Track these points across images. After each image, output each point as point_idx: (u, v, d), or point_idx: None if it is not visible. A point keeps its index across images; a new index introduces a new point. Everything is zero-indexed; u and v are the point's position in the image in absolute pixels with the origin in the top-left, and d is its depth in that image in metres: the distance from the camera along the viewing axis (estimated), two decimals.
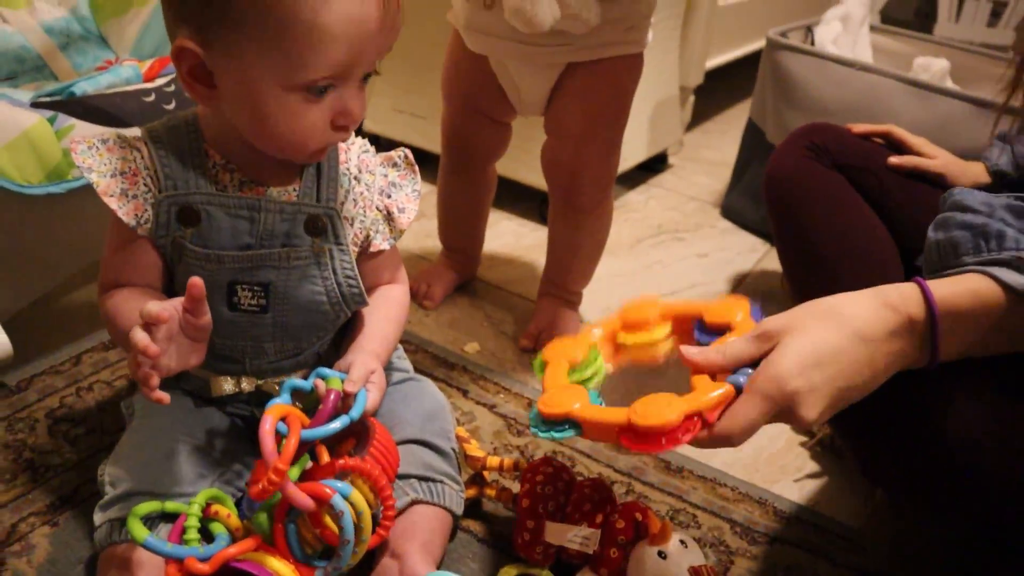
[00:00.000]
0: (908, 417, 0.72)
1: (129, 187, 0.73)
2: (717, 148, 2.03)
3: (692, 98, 1.90)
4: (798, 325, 0.63)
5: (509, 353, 1.17)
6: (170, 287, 0.77)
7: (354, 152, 0.80)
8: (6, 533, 0.80)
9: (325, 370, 0.74)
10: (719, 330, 0.72)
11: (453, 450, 0.84)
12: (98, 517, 0.73)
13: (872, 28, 1.82)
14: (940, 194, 1.16)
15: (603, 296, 1.33)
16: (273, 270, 0.75)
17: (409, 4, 0.72)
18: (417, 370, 0.96)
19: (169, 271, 0.76)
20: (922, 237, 0.81)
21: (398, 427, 0.82)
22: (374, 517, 0.72)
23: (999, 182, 1.08)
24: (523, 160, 1.44)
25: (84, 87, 1.04)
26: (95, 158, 0.72)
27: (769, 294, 1.40)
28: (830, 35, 1.66)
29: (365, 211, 0.80)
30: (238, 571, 0.67)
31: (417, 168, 0.84)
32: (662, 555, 0.75)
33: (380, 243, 0.82)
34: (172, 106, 1.01)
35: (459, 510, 0.81)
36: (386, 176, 0.82)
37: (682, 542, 0.77)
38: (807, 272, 1.20)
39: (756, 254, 1.54)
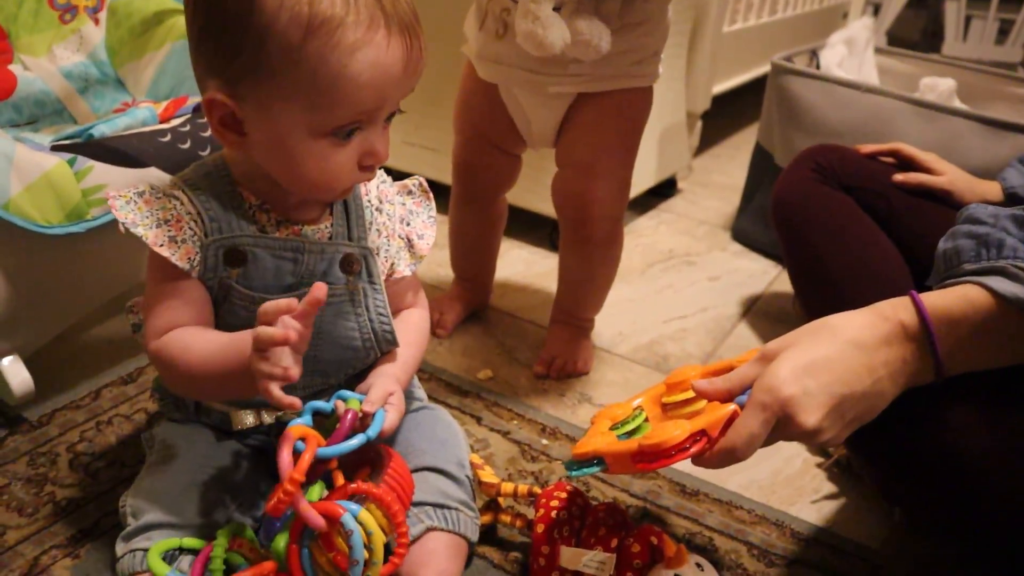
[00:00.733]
0: (924, 435, 0.72)
1: (176, 233, 0.73)
2: (726, 172, 2.05)
3: (700, 123, 1.91)
4: (793, 342, 0.65)
5: (522, 380, 1.18)
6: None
7: (373, 183, 0.82)
8: (28, 566, 0.81)
9: (346, 392, 0.75)
10: None
11: (467, 477, 0.85)
12: (120, 548, 0.74)
13: (877, 50, 1.83)
14: (948, 212, 1.16)
15: (615, 321, 1.34)
16: None
17: None
18: (431, 398, 0.97)
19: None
20: (931, 255, 0.81)
21: (412, 455, 0.82)
22: (387, 546, 0.72)
23: (1010, 204, 1.09)
24: (533, 189, 1.46)
25: (102, 129, 1.07)
26: (136, 212, 0.72)
27: (781, 316, 1.40)
28: (835, 58, 1.68)
29: (389, 240, 0.82)
30: None
31: (431, 195, 0.86)
32: None
33: (403, 270, 0.84)
34: (187, 145, 1.04)
35: (474, 537, 0.81)
36: (404, 204, 0.85)
37: (698, 565, 0.77)
38: (818, 293, 1.21)
39: (768, 276, 1.55)
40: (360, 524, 0.68)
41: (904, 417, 0.74)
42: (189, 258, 0.73)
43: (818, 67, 1.66)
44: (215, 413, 0.83)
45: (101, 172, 0.96)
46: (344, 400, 0.75)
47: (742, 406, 0.65)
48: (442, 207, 1.27)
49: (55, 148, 0.98)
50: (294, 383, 0.79)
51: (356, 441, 0.71)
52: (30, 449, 0.97)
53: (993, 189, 1.16)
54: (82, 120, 1.27)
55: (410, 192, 0.86)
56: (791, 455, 1.07)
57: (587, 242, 1.16)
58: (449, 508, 0.80)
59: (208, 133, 1.06)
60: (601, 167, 1.11)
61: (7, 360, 0.98)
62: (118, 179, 0.97)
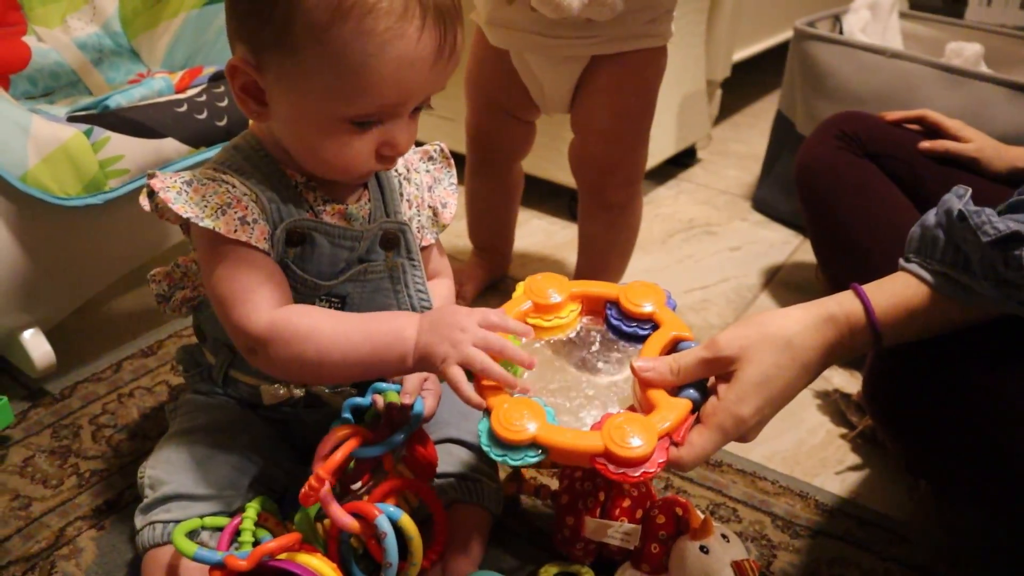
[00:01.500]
0: (952, 403, 0.71)
1: (244, 214, 0.69)
2: (746, 141, 2.02)
3: (719, 91, 1.88)
4: (754, 357, 0.65)
5: None
6: None
7: None
8: (55, 537, 0.82)
9: (381, 384, 0.75)
10: (637, 317, 0.76)
11: None
12: (139, 520, 0.74)
13: (901, 15, 1.79)
14: (975, 179, 1.14)
15: None
16: (350, 283, 0.76)
17: None
18: None
19: None
20: None
21: (435, 426, 0.82)
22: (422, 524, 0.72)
23: None
24: (551, 158, 1.44)
25: (118, 100, 1.06)
26: (193, 204, 0.68)
27: (803, 286, 1.38)
28: (859, 23, 1.64)
29: (419, 210, 0.82)
30: (280, 571, 0.67)
31: (452, 161, 0.85)
32: (704, 550, 0.74)
33: (429, 238, 0.83)
34: (204, 116, 1.03)
35: (498, 508, 0.81)
36: (428, 171, 0.84)
37: (724, 536, 0.76)
38: (842, 262, 1.19)
39: (789, 246, 1.53)
40: (399, 528, 0.69)
41: (932, 386, 0.73)
42: (266, 237, 0.70)
43: (841, 32, 1.62)
44: (243, 386, 0.82)
45: (118, 143, 0.95)
46: (381, 393, 0.75)
47: (692, 400, 0.67)
48: (459, 176, 1.25)
49: (71, 119, 0.97)
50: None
51: (396, 439, 0.71)
52: (53, 422, 0.97)
53: (1021, 155, 1.13)
54: (97, 91, 1.26)
55: (431, 158, 0.85)
56: (814, 426, 1.06)
57: (606, 208, 1.15)
58: (472, 479, 0.80)
59: (225, 103, 1.05)
60: (618, 131, 1.09)
61: (28, 333, 0.98)
62: (135, 150, 0.96)
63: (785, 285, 1.39)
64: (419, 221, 0.82)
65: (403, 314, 0.71)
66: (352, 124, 0.67)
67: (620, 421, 0.63)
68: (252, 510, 0.71)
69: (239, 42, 0.68)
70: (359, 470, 0.76)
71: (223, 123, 1.04)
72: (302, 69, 0.65)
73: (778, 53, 2.04)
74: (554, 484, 0.86)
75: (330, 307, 0.76)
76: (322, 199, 0.75)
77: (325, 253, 0.74)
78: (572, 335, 0.77)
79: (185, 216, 0.67)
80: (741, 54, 1.91)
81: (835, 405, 1.09)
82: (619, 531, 0.76)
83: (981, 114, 1.30)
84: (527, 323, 0.74)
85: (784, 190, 1.59)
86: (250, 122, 0.78)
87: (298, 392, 0.81)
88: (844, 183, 1.20)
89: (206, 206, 0.68)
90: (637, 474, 0.62)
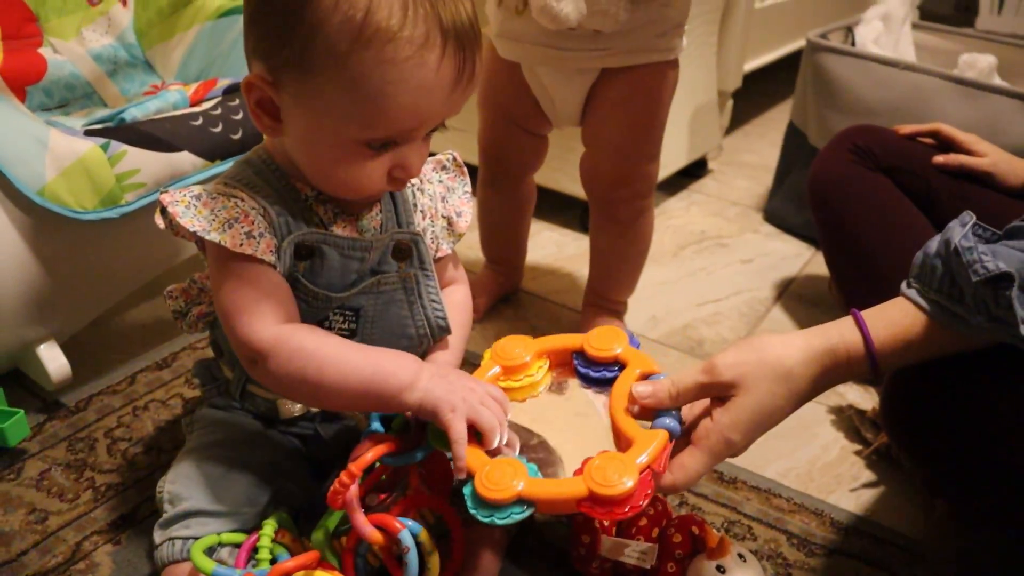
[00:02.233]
0: (973, 424, 0.71)
1: (250, 228, 0.69)
2: (757, 152, 2.01)
3: (731, 102, 1.88)
4: (751, 385, 0.67)
5: None
6: None
7: None
8: (71, 552, 0.82)
9: None
10: (603, 361, 0.77)
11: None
12: (158, 535, 0.74)
13: (913, 25, 1.79)
14: (990, 194, 1.14)
15: (648, 305, 1.33)
16: (364, 296, 0.76)
17: None
18: None
19: None
20: None
21: None
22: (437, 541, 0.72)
23: None
24: (563, 170, 1.44)
25: (134, 113, 1.07)
26: (201, 218, 0.68)
27: (816, 300, 1.38)
28: (871, 35, 1.64)
29: (433, 221, 0.82)
30: None
31: (465, 169, 0.85)
32: (720, 569, 0.74)
33: (445, 248, 0.83)
34: (219, 129, 1.03)
35: (514, 526, 0.81)
36: (441, 181, 0.84)
37: (740, 556, 0.76)
38: (855, 275, 1.19)
39: (801, 259, 1.52)
40: (419, 543, 0.69)
41: (952, 404, 0.72)
42: (272, 250, 0.70)
43: (853, 44, 1.62)
44: (260, 400, 0.83)
45: (135, 157, 0.96)
46: None
47: (668, 430, 0.68)
48: (472, 188, 1.26)
49: (88, 132, 0.97)
50: None
51: (421, 453, 0.72)
52: (69, 435, 0.97)
53: None
54: (112, 103, 1.27)
55: (444, 167, 0.85)
56: (828, 443, 1.06)
57: (617, 222, 1.15)
58: None
59: (240, 117, 1.05)
60: (629, 146, 1.09)
61: (44, 346, 0.99)
62: (151, 164, 0.96)
63: (798, 298, 1.39)
64: (433, 232, 0.82)
65: (410, 355, 0.72)
66: (366, 147, 0.67)
67: (599, 463, 0.64)
68: (270, 527, 0.71)
69: (257, 59, 0.68)
70: (389, 482, 0.76)
71: (238, 136, 1.04)
72: (319, 92, 0.65)
73: (788, 63, 2.04)
74: None
75: (344, 320, 0.76)
76: (332, 212, 0.75)
77: (335, 266, 0.74)
78: (544, 391, 0.78)
79: (192, 230, 0.68)
80: (752, 64, 1.91)
81: (849, 421, 1.09)
82: (635, 550, 0.76)
83: (995, 127, 1.30)
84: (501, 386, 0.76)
85: (796, 202, 1.59)
86: (264, 136, 0.78)
87: (315, 408, 0.81)
88: (858, 197, 1.19)
89: (214, 220, 0.68)
90: (626, 510, 0.62)
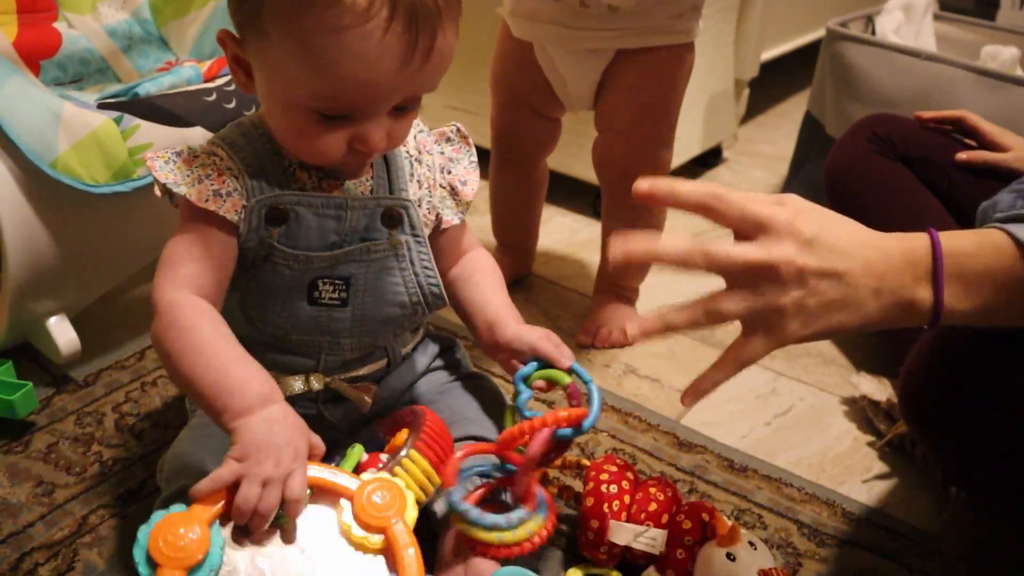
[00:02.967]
0: (997, 407, 0.69)
1: (219, 187, 0.70)
2: (772, 142, 2.00)
3: (747, 91, 1.86)
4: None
5: None
6: (245, 287, 0.75)
7: (411, 134, 0.80)
8: (77, 525, 0.82)
9: (526, 369, 0.77)
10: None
11: None
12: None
13: (935, 16, 1.76)
14: None
15: (661, 292, 1.31)
16: (354, 264, 0.75)
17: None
18: (474, 366, 0.96)
19: (245, 272, 0.74)
20: None
21: (457, 424, 0.81)
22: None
23: None
24: (576, 155, 1.43)
25: (147, 88, 1.06)
26: (176, 172, 0.70)
27: None
28: (892, 24, 1.61)
29: (431, 191, 0.80)
30: None
31: (471, 140, 0.84)
32: (731, 557, 0.73)
33: (450, 218, 0.82)
34: (233, 105, 1.02)
35: None
36: (443, 153, 0.82)
37: (751, 544, 0.75)
38: None
39: None
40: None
41: (974, 386, 0.71)
42: (237, 210, 0.70)
43: (874, 33, 1.60)
44: None
45: (147, 131, 0.95)
46: (549, 379, 0.77)
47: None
48: (483, 171, 1.25)
49: (101, 106, 0.97)
50: (343, 346, 0.78)
51: (593, 415, 0.73)
52: (77, 408, 0.97)
53: None
54: (126, 79, 1.26)
55: (448, 139, 0.83)
56: (840, 433, 1.05)
57: (629, 208, 1.13)
58: (495, 478, 0.79)
59: (254, 92, 1.04)
60: (642, 130, 1.08)
61: (54, 319, 0.99)
62: (164, 138, 0.96)
63: None
64: (431, 202, 0.80)
65: (273, 387, 0.65)
66: (320, 116, 0.65)
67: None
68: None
69: (229, 14, 0.68)
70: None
71: (252, 112, 1.03)
72: (270, 53, 0.64)
73: (804, 53, 2.02)
74: (579, 486, 0.85)
75: (334, 289, 0.75)
76: (317, 177, 0.74)
77: (312, 226, 0.73)
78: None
79: (163, 182, 0.69)
80: (770, 53, 1.89)
81: (862, 412, 1.08)
82: (644, 535, 0.75)
83: (1017, 119, 1.28)
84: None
85: (812, 192, 1.55)
86: None
87: (316, 385, 0.80)
88: (876, 186, 1.18)
89: (188, 175, 0.69)
90: None
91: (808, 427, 1.06)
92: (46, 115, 0.89)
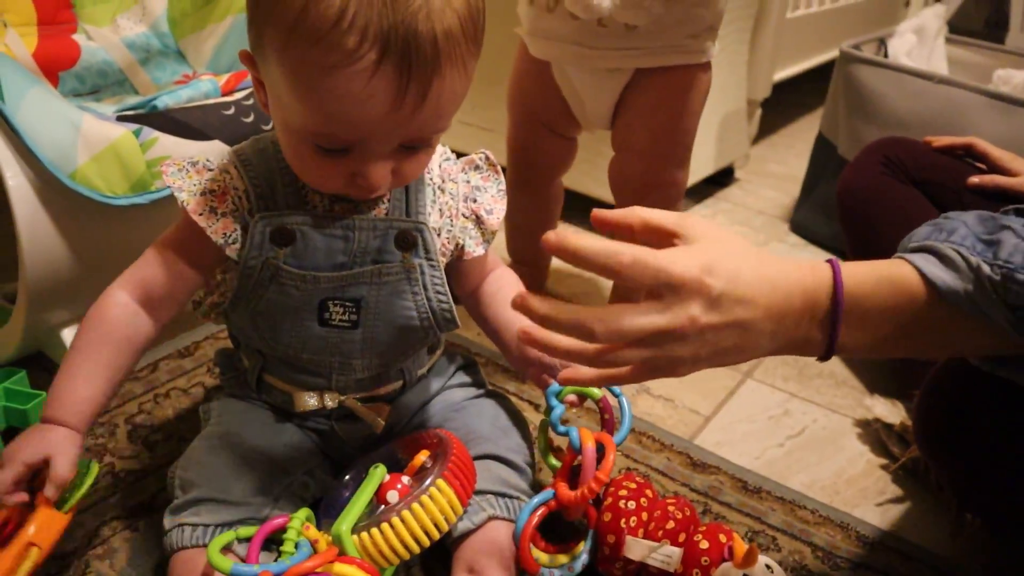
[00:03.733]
0: (1012, 434, 0.69)
1: (218, 205, 0.72)
2: (784, 162, 2.00)
3: (759, 111, 1.87)
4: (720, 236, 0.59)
5: None
6: (256, 305, 0.75)
7: (435, 161, 0.79)
8: (89, 536, 0.82)
9: (557, 385, 0.78)
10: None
11: (529, 466, 0.83)
12: (168, 521, 0.73)
13: (947, 39, 1.77)
14: None
15: None
16: (365, 286, 0.74)
17: None
18: (489, 383, 0.95)
19: (252, 291, 0.74)
20: None
21: (474, 442, 0.81)
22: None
23: None
24: (592, 173, 1.44)
25: (166, 101, 1.07)
26: (184, 179, 0.72)
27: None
28: (904, 47, 1.62)
29: (452, 220, 0.79)
30: None
31: (499, 168, 0.83)
32: None
33: (474, 249, 0.80)
34: (251, 119, 1.03)
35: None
36: (468, 181, 0.81)
37: (768, 567, 0.74)
38: None
39: None
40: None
41: (989, 413, 0.71)
42: (225, 233, 0.71)
43: (886, 56, 1.61)
44: (276, 392, 0.82)
45: (166, 144, 0.95)
46: (583, 393, 0.80)
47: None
48: None
49: (120, 118, 0.97)
50: (354, 367, 0.78)
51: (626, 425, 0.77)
52: None
53: None
54: (143, 91, 1.27)
55: (477, 167, 0.82)
56: (854, 455, 1.04)
57: None
58: (511, 497, 0.79)
59: None
60: (659, 150, 1.08)
61: (68, 330, 0.99)
62: (182, 151, 0.96)
63: None
64: (451, 232, 0.79)
65: (73, 415, 0.72)
66: (319, 147, 0.65)
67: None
68: (298, 520, 0.70)
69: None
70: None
71: (269, 127, 1.04)
72: (272, 78, 0.64)
73: (817, 73, 2.03)
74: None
75: (344, 312, 0.75)
76: (329, 199, 0.73)
77: (319, 246, 0.72)
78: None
79: (168, 184, 0.72)
80: (783, 73, 1.90)
81: (876, 435, 1.07)
82: (659, 552, 0.75)
83: None
84: None
85: (824, 213, 1.57)
86: None
87: (330, 403, 0.80)
88: (888, 209, 1.18)
89: (194, 185, 0.72)
90: None
91: (821, 449, 1.05)
92: (66, 126, 0.90)
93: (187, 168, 0.73)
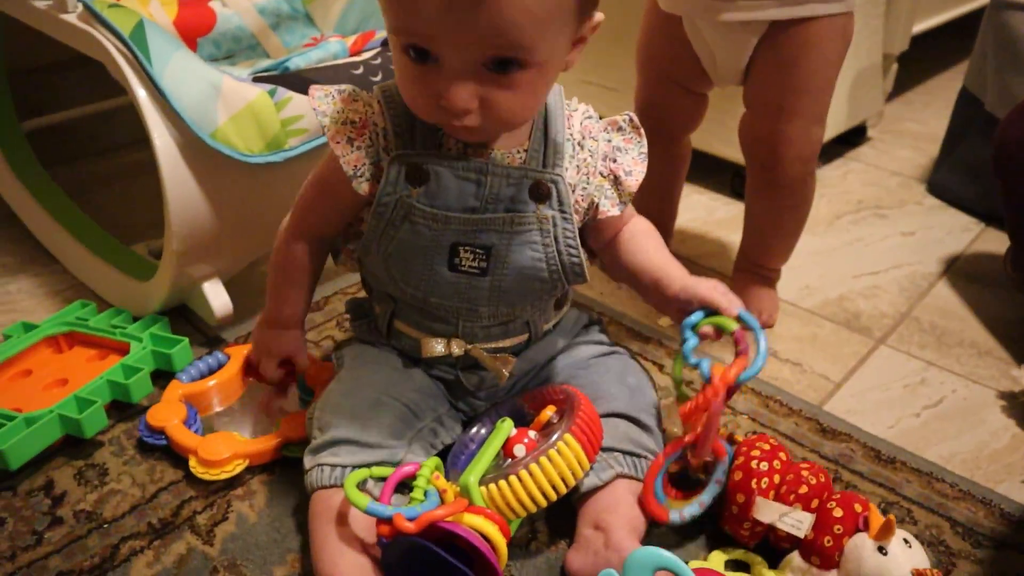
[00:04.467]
0: None
1: (356, 137, 0.74)
2: (920, 120, 1.89)
3: (895, 66, 1.76)
4: None
5: None
6: (388, 246, 0.77)
7: (576, 119, 0.79)
8: (232, 478, 0.86)
9: (692, 319, 0.78)
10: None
11: (657, 424, 0.82)
12: (308, 461, 0.76)
13: None
14: None
15: (801, 274, 1.27)
16: (496, 234, 0.75)
17: None
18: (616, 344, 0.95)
19: (385, 230, 0.76)
20: None
21: (602, 400, 0.81)
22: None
23: None
24: (715, 131, 1.39)
25: (297, 62, 1.09)
26: (329, 105, 0.75)
27: (987, 279, 1.28)
28: None
29: (588, 178, 0.79)
30: (444, 532, 0.68)
31: (642, 132, 0.82)
32: (883, 551, 0.70)
33: (609, 209, 0.80)
34: (379, 78, 1.04)
35: None
36: (610, 141, 0.80)
37: (906, 541, 0.71)
38: None
39: (969, 234, 1.42)
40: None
41: None
42: (355, 166, 0.74)
43: None
44: (406, 339, 0.84)
45: (299, 103, 0.98)
46: (718, 326, 0.78)
47: None
48: None
49: (256, 79, 1.01)
50: (480, 314, 0.79)
51: (762, 355, 0.74)
52: None
53: None
54: (274, 54, 1.30)
55: (620, 128, 0.81)
56: (998, 429, 0.98)
57: (776, 186, 1.09)
58: (639, 456, 0.78)
59: None
60: (794, 107, 1.03)
61: (209, 283, 1.04)
62: None
63: (966, 276, 1.29)
64: (587, 190, 0.79)
65: (288, 316, 0.89)
66: (410, 56, 0.65)
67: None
68: (427, 468, 0.72)
69: None
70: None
71: None
72: None
73: (959, 24, 1.90)
74: None
75: (475, 258, 0.76)
76: (463, 143, 0.74)
77: (452, 187, 0.73)
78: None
79: (313, 108, 0.75)
80: (922, 26, 1.78)
81: (1023, 408, 1.01)
82: (790, 516, 0.73)
83: None
84: None
85: (967, 173, 1.48)
86: None
87: (456, 351, 0.81)
88: None
89: (338, 112, 0.75)
90: None
91: (961, 420, 1.00)
92: (207, 88, 0.93)
93: (333, 94, 0.76)
